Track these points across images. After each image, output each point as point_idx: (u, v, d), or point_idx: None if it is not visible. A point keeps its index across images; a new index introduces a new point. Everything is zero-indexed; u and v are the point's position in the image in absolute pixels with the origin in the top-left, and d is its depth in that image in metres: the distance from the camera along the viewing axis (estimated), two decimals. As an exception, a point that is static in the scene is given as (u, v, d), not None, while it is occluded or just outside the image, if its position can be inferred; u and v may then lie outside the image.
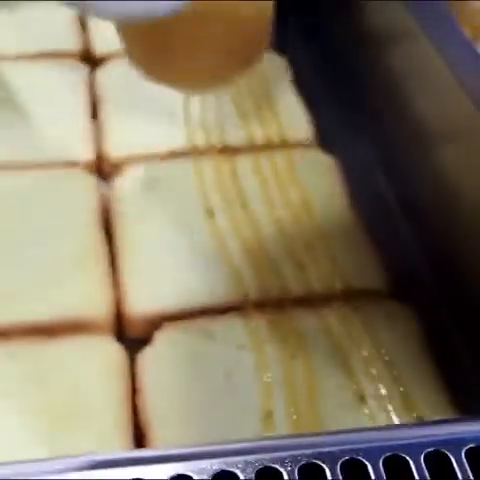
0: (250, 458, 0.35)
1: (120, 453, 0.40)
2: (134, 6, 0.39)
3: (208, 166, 0.66)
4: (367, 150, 0.71)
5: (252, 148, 0.68)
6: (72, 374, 0.50)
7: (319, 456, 0.35)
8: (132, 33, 0.53)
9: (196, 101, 0.71)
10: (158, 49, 0.53)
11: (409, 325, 0.55)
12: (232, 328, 0.54)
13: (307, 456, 0.35)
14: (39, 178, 0.64)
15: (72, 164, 0.66)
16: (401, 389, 0.50)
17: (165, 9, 0.41)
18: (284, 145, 0.69)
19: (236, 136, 0.69)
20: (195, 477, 0.34)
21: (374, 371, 0.51)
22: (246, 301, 0.55)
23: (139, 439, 0.48)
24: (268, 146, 0.68)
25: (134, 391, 0.50)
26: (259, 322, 0.54)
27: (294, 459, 0.35)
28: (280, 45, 0.77)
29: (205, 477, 0.34)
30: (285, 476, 0.35)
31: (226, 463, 0.35)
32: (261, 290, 0.56)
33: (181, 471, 0.35)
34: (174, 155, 0.66)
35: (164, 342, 0.52)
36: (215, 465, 0.35)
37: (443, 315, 0.58)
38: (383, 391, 0.50)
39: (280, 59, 0.78)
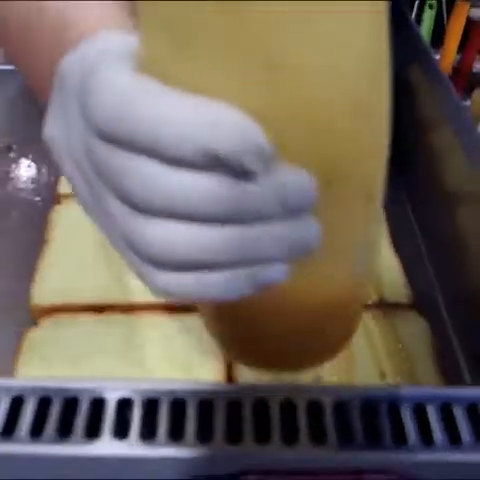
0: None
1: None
2: (185, 285, 0.28)
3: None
4: (403, 198, 0.78)
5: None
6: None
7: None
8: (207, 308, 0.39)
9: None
10: (242, 337, 0.38)
11: (422, 331, 0.61)
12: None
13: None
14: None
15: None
16: (410, 371, 0.57)
17: (219, 295, 0.28)
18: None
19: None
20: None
21: (393, 359, 0.59)
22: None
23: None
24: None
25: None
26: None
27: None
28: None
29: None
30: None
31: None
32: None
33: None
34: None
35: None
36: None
37: (449, 327, 0.63)
38: (397, 372, 0.57)
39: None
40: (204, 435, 0.40)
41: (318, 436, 0.41)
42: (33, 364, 0.57)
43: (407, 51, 0.80)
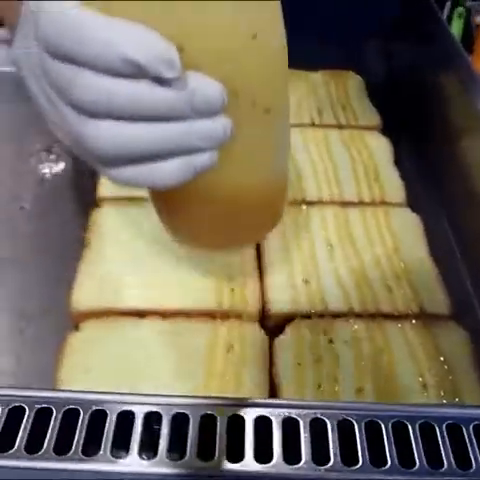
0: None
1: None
2: (134, 175, 0.36)
3: (330, 214, 0.73)
4: (442, 213, 0.77)
5: (361, 203, 0.73)
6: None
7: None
8: (157, 198, 0.47)
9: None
10: (172, 213, 0.46)
11: (462, 341, 0.59)
12: (341, 329, 0.60)
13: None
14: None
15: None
16: (451, 383, 0.56)
17: (163, 183, 0.36)
18: (383, 203, 0.73)
19: (350, 194, 0.75)
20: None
21: (434, 370, 0.57)
22: (350, 311, 0.61)
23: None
24: (372, 203, 0.74)
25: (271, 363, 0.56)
26: (359, 326, 0.60)
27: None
28: (386, 130, 0.84)
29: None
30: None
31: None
32: (361, 304, 0.62)
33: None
34: (308, 203, 0.73)
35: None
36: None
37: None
38: (439, 384, 0.56)
39: (385, 140, 0.82)
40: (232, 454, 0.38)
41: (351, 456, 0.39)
42: (74, 369, 0.56)
43: (440, 56, 0.82)
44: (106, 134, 0.34)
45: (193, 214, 0.44)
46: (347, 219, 0.71)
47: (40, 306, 0.63)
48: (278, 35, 0.39)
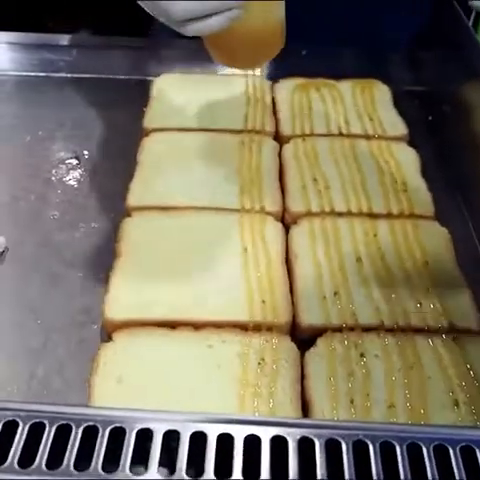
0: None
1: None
2: (198, 27, 0.56)
3: (358, 225, 0.72)
4: (469, 226, 0.77)
5: (389, 216, 0.73)
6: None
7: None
8: (210, 43, 0.67)
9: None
10: (218, 48, 0.67)
11: None
12: (371, 342, 0.60)
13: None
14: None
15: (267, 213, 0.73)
16: None
17: (216, 27, 0.56)
18: (412, 216, 0.73)
19: (378, 206, 0.75)
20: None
21: (465, 386, 0.57)
22: (381, 325, 0.62)
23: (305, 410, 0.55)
24: (400, 216, 0.74)
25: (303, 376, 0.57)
26: (389, 341, 0.60)
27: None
28: (412, 142, 0.84)
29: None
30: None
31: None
32: (391, 318, 0.62)
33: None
34: (337, 214, 0.74)
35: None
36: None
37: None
38: (470, 400, 0.55)
39: (413, 151, 0.83)
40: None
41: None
42: (107, 378, 0.57)
43: (468, 65, 0.82)
44: (178, 5, 0.54)
45: (231, 47, 0.65)
46: (376, 232, 0.71)
47: (73, 317, 0.63)
48: None
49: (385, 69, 0.94)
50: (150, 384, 0.56)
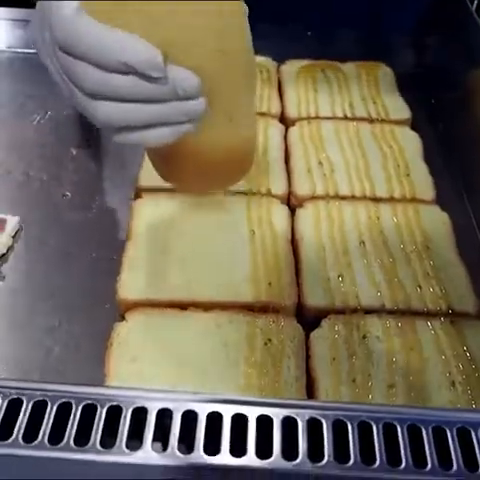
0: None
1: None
2: (131, 138, 0.45)
3: (362, 209, 0.74)
4: (469, 211, 0.79)
5: (392, 200, 0.75)
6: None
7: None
8: (151, 152, 0.56)
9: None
10: (164, 162, 0.54)
11: None
12: (373, 324, 0.62)
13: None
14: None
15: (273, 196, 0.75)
16: (478, 381, 0.58)
17: (155, 144, 0.46)
18: (413, 200, 0.75)
19: (382, 190, 0.77)
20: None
21: (461, 367, 0.59)
22: (383, 308, 0.64)
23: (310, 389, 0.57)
24: (402, 200, 0.75)
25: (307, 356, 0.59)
26: (390, 323, 0.62)
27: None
28: (415, 126, 0.85)
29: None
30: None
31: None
32: (392, 301, 0.64)
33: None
34: (341, 198, 0.75)
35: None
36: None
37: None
38: (467, 381, 0.58)
39: (415, 135, 0.84)
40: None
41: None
42: (122, 357, 0.59)
43: (471, 49, 0.83)
44: (103, 111, 0.44)
45: (179, 165, 0.53)
46: (379, 215, 0.73)
47: (86, 296, 0.65)
48: (244, 48, 0.48)
49: (389, 52, 0.95)
50: (162, 363, 0.58)
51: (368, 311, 0.63)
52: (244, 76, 0.49)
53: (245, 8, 0.46)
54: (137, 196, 0.72)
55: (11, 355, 0.60)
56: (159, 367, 0.58)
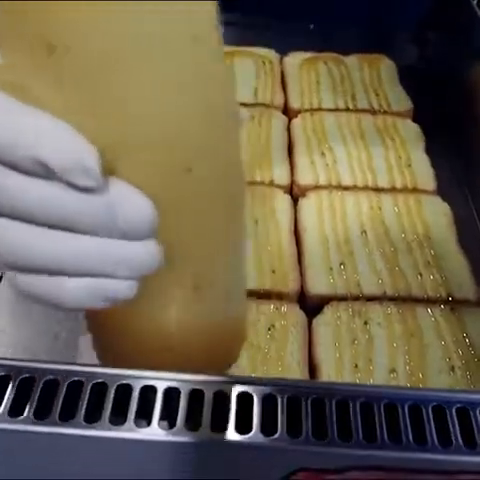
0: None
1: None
2: (37, 290, 0.29)
3: (364, 199, 0.76)
4: (469, 201, 0.80)
5: (393, 190, 0.76)
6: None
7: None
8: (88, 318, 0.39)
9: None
10: (108, 346, 0.40)
11: None
12: (374, 311, 0.63)
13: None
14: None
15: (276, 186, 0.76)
16: (477, 366, 0.59)
17: (66, 304, 0.29)
18: (414, 191, 0.76)
19: (383, 181, 0.77)
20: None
21: (461, 353, 0.60)
22: (384, 295, 0.65)
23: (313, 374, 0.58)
24: (404, 190, 0.76)
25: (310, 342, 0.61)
26: (391, 310, 0.63)
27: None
28: (416, 118, 0.86)
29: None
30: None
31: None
32: (393, 288, 0.65)
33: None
34: (344, 188, 0.76)
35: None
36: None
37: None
38: (466, 366, 0.59)
39: (417, 127, 0.85)
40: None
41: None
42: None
43: (472, 42, 0.83)
44: (3, 233, 0.28)
45: (122, 347, 0.37)
46: (380, 205, 0.74)
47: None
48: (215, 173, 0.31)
49: (391, 45, 0.96)
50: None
51: (370, 298, 0.64)
52: (227, 213, 0.32)
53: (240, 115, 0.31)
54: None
55: (19, 340, 0.60)
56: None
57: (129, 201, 0.27)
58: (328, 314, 0.63)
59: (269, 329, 0.61)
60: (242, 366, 0.58)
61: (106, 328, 0.36)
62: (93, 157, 0.26)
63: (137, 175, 0.27)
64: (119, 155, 0.27)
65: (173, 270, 0.30)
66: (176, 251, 0.29)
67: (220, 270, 0.33)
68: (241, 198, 0.33)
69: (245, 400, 0.42)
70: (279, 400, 0.42)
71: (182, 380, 0.42)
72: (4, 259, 0.28)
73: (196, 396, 0.42)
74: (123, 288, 0.29)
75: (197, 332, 0.35)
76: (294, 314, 0.62)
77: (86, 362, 0.55)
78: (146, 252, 0.28)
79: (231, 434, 0.40)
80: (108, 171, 0.27)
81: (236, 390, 0.42)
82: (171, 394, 0.42)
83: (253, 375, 0.57)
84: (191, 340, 0.35)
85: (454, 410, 0.42)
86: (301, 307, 0.63)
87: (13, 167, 0.26)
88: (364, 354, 0.60)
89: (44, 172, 0.26)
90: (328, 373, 0.58)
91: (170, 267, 0.29)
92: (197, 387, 0.42)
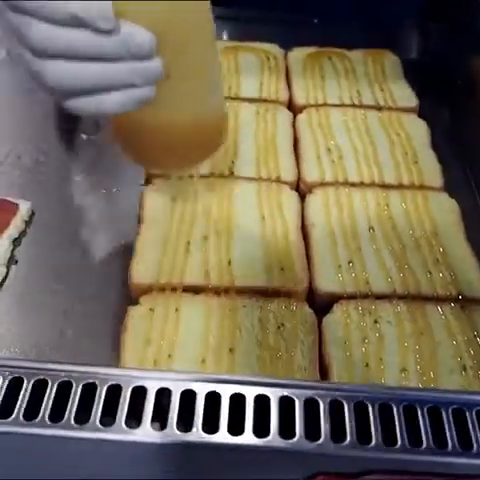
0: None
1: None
2: (85, 104, 0.43)
3: (371, 195, 0.74)
4: (477, 197, 0.80)
5: (400, 186, 0.75)
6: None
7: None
8: (117, 129, 0.54)
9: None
10: (125, 138, 0.54)
11: None
12: (384, 309, 0.62)
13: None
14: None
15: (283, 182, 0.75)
16: None
17: (110, 111, 0.43)
18: (422, 187, 0.75)
19: (390, 177, 0.77)
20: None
21: (472, 352, 0.59)
22: (393, 293, 0.64)
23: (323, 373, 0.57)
24: (411, 187, 0.75)
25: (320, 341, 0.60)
26: (401, 308, 0.62)
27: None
28: (423, 114, 0.85)
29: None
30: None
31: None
32: (402, 286, 0.64)
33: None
34: (350, 184, 0.75)
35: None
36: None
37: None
38: (478, 365, 0.58)
39: (423, 123, 0.84)
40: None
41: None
42: (136, 340, 0.59)
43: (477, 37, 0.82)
44: (52, 71, 0.41)
45: (144, 142, 0.51)
46: (388, 202, 0.73)
47: (100, 280, 0.65)
48: (203, 11, 0.47)
49: (395, 40, 0.95)
50: (176, 346, 0.58)
51: (379, 297, 0.63)
52: (204, 43, 0.47)
53: None
54: (148, 181, 0.72)
55: (25, 338, 0.60)
56: (172, 350, 0.58)
57: (135, 32, 0.41)
58: (338, 313, 0.62)
59: (278, 328, 0.60)
60: (252, 365, 0.57)
61: (129, 130, 0.50)
62: (109, 7, 0.40)
63: (141, 18, 0.42)
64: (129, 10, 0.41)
65: (175, 81, 0.45)
66: (176, 68, 0.44)
67: (208, 79, 0.49)
68: (213, 36, 0.49)
69: (261, 402, 0.41)
70: (297, 403, 0.41)
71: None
72: (51, 87, 0.42)
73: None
74: (146, 91, 0.43)
75: (193, 123, 0.50)
76: (303, 313, 0.62)
77: (92, 362, 0.54)
78: (154, 66, 0.43)
79: (249, 437, 0.39)
80: (119, 14, 0.41)
81: (253, 392, 0.41)
82: (186, 396, 0.41)
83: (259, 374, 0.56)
84: (189, 130, 0.50)
85: (474, 413, 0.41)
86: (310, 305, 0.62)
87: (54, 22, 0.40)
88: (374, 353, 0.60)
89: (76, 22, 0.40)
90: (339, 372, 0.57)
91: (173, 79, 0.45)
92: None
